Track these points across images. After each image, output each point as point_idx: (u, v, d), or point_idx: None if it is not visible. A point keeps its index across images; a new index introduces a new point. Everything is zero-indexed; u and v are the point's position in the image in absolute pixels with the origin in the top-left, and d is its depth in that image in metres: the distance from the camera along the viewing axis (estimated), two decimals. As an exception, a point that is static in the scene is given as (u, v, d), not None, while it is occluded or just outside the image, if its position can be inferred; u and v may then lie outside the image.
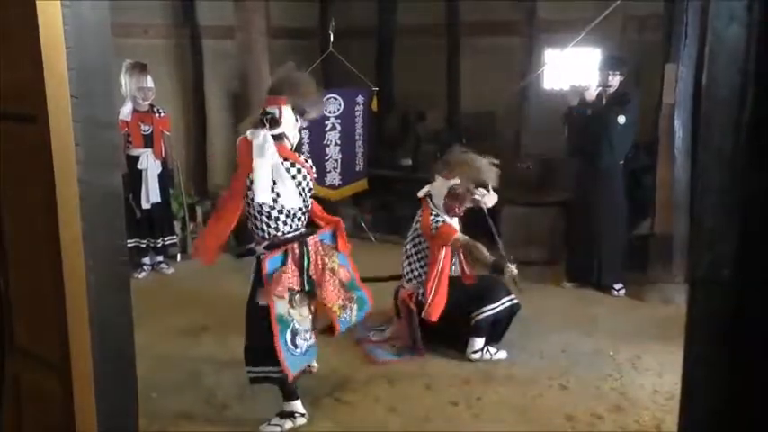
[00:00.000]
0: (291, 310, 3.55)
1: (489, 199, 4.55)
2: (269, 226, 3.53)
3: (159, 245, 6.26)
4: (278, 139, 3.54)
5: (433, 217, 4.45)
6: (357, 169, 7.32)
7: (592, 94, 5.56)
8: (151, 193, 6.09)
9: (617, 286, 5.68)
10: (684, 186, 5.35)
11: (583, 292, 5.73)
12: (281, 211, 3.53)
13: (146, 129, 6.04)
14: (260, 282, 3.55)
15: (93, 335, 1.84)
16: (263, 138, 3.49)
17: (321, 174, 7.14)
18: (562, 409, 3.88)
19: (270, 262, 3.51)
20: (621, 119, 5.38)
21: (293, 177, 3.57)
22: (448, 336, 4.60)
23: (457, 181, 4.45)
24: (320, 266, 3.63)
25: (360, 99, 7.14)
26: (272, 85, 3.70)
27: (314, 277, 3.60)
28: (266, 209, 3.50)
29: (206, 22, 7.29)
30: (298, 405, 3.69)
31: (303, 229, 3.67)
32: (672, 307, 5.25)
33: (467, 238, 4.42)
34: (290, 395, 3.68)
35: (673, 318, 4.94)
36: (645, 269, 5.65)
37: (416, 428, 3.71)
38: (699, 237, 1.09)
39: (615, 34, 6.24)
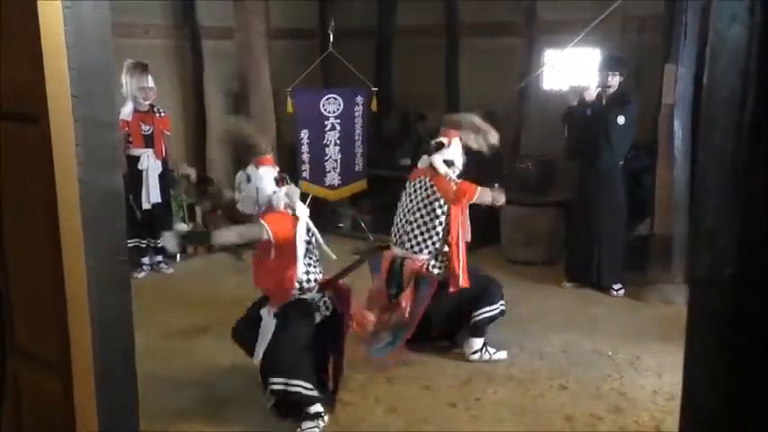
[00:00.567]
0: None
1: (493, 135, 4.52)
2: (315, 272, 3.83)
3: (160, 245, 6.26)
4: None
5: (448, 180, 4.44)
6: (356, 169, 7.32)
7: (591, 95, 5.57)
8: (152, 194, 6.09)
9: (616, 287, 5.68)
10: (684, 187, 5.36)
11: (582, 293, 5.73)
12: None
13: (146, 129, 6.04)
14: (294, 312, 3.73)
15: (94, 334, 1.83)
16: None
17: (320, 174, 7.16)
18: (562, 409, 3.89)
19: None
20: (621, 119, 5.39)
21: None
22: (446, 335, 4.61)
23: (464, 133, 4.48)
24: None
25: (359, 99, 7.15)
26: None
27: None
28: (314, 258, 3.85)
29: (206, 22, 7.30)
30: (319, 406, 3.70)
31: None
32: (672, 307, 5.25)
33: (487, 189, 4.48)
34: (311, 400, 3.68)
35: (672, 318, 4.94)
36: (644, 269, 5.65)
37: (416, 429, 3.71)
38: (699, 237, 1.09)
39: (615, 35, 6.24)
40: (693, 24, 5.07)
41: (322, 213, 7.59)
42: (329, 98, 7.06)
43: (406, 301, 4.39)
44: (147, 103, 6.03)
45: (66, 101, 1.71)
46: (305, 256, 3.72)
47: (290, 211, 3.70)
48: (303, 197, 7.10)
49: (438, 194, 4.40)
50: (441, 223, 4.39)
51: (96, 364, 1.85)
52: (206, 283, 5.96)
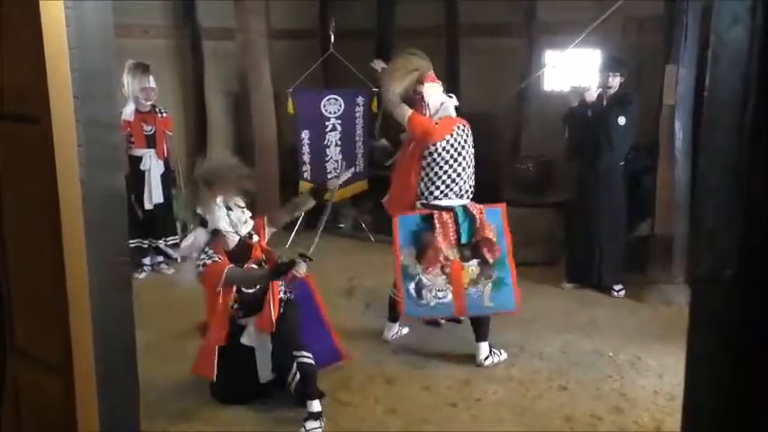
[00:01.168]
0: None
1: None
2: None
3: (161, 245, 6.26)
4: None
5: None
6: (357, 170, 7.32)
7: (592, 96, 5.56)
8: (154, 194, 6.09)
9: (617, 287, 5.68)
10: (684, 187, 5.36)
11: (583, 293, 5.73)
12: None
13: (148, 129, 6.04)
14: None
15: (95, 335, 1.84)
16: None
17: (321, 174, 7.16)
18: (562, 410, 3.89)
19: None
20: (622, 120, 5.39)
21: None
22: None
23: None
24: None
25: (360, 100, 7.15)
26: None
27: None
28: None
29: (206, 23, 7.30)
30: (317, 404, 3.72)
31: None
32: (672, 308, 5.25)
33: None
34: (316, 394, 3.72)
35: (673, 319, 4.94)
36: (645, 270, 5.65)
37: (416, 429, 3.71)
38: (700, 237, 1.10)
39: (615, 35, 6.24)
40: (694, 25, 5.07)
41: (323, 213, 7.60)
42: (330, 99, 7.07)
43: (490, 238, 4.36)
44: (149, 103, 6.03)
45: (67, 102, 1.71)
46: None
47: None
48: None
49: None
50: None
51: (97, 365, 1.85)
52: (206, 283, 5.94)
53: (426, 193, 4.41)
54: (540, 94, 6.93)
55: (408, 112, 4.44)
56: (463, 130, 4.44)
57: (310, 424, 3.64)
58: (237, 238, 3.82)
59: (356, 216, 7.57)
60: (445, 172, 4.37)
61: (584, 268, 5.75)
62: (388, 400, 4.01)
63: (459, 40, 7.59)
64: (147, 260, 6.26)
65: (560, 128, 5.78)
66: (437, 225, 4.32)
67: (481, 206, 4.40)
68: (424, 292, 4.35)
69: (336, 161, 7.20)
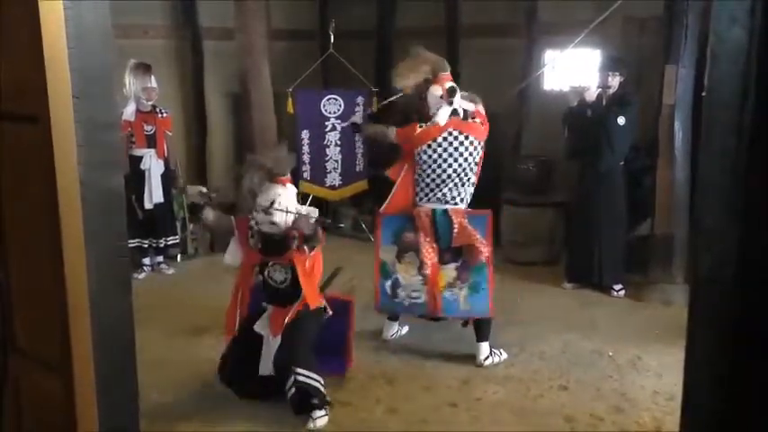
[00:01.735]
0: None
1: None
2: None
3: (161, 245, 6.27)
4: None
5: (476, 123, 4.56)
6: (357, 170, 7.32)
7: (592, 95, 5.56)
8: (154, 194, 6.10)
9: (617, 287, 5.68)
10: (684, 187, 5.36)
11: (583, 293, 5.73)
12: None
13: (149, 129, 6.05)
14: None
15: (94, 336, 1.84)
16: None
17: (321, 174, 7.16)
18: (562, 410, 3.89)
19: None
20: (621, 120, 5.39)
21: None
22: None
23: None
24: None
25: (360, 100, 7.15)
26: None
27: None
28: None
29: (206, 23, 7.29)
30: (319, 412, 3.75)
31: None
32: (672, 308, 5.25)
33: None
34: (313, 407, 3.74)
35: (673, 318, 4.94)
36: (645, 270, 5.65)
37: (416, 429, 3.71)
38: (700, 237, 1.10)
39: (615, 35, 6.23)
40: (694, 25, 5.07)
41: (323, 214, 7.60)
42: (330, 99, 7.07)
43: (475, 243, 4.34)
44: (150, 103, 6.04)
45: (67, 101, 1.71)
46: None
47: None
48: (304, 198, 7.13)
49: (476, 142, 4.45)
50: (476, 168, 4.50)
51: (97, 365, 1.85)
52: (206, 283, 5.95)
53: (416, 197, 4.47)
54: (540, 94, 6.92)
55: (393, 131, 4.57)
56: (455, 138, 4.36)
57: (317, 413, 3.72)
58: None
59: (356, 216, 7.57)
60: (428, 176, 4.40)
61: (584, 268, 5.75)
62: (389, 399, 4.01)
63: (460, 40, 7.58)
64: (146, 260, 6.27)
65: (560, 128, 5.78)
66: (418, 227, 4.38)
67: (465, 211, 4.41)
68: (398, 290, 4.48)
69: (336, 161, 7.20)
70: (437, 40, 7.60)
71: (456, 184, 4.40)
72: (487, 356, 4.44)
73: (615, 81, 5.52)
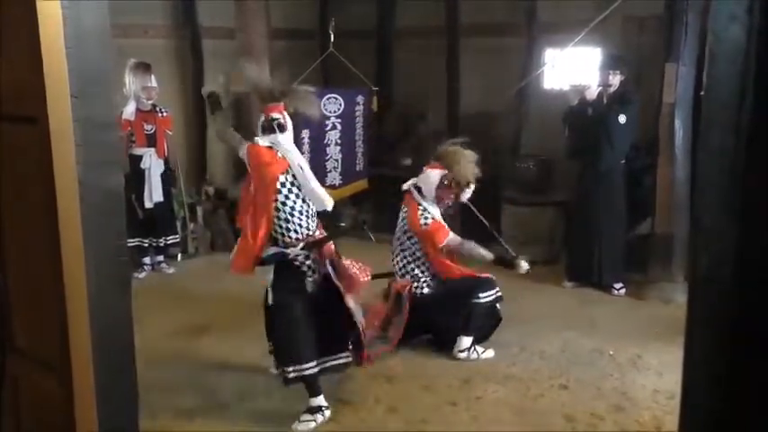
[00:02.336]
0: None
1: (467, 194, 4.61)
2: (301, 227, 3.69)
3: (161, 244, 6.27)
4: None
5: (420, 212, 4.52)
6: (357, 169, 7.32)
7: (592, 94, 5.56)
8: (154, 193, 6.10)
9: (617, 286, 5.68)
10: (685, 186, 5.35)
11: (583, 292, 5.73)
12: (311, 212, 3.75)
13: (149, 128, 6.05)
14: (284, 283, 3.69)
15: (94, 336, 1.83)
16: (289, 143, 3.72)
17: (321, 173, 7.15)
18: (562, 409, 3.88)
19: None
20: (622, 118, 5.39)
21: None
22: (442, 329, 4.60)
23: (451, 172, 4.50)
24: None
25: (360, 99, 7.15)
26: (269, 93, 3.78)
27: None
28: (305, 210, 3.69)
29: (206, 22, 7.29)
30: (322, 399, 3.76)
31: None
32: (672, 306, 5.25)
33: (459, 239, 4.50)
34: (315, 392, 3.74)
35: (673, 317, 4.94)
36: (645, 269, 5.65)
37: (416, 429, 3.71)
38: (698, 236, 1.09)
39: (615, 34, 6.23)
40: (694, 23, 5.07)
41: (323, 213, 7.59)
42: (330, 98, 7.06)
43: (379, 313, 4.63)
44: (150, 102, 6.04)
45: (65, 101, 1.70)
46: (285, 204, 3.66)
47: (278, 154, 3.67)
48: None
49: (408, 226, 4.58)
50: (417, 251, 4.58)
51: (96, 365, 1.85)
52: (207, 282, 5.95)
53: None
54: (540, 93, 6.92)
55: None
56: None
57: (304, 416, 3.71)
58: None
59: (356, 215, 7.56)
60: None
61: (584, 267, 5.75)
62: (389, 399, 4.01)
63: (460, 39, 7.58)
64: (147, 259, 6.27)
65: (560, 126, 5.78)
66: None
67: (399, 287, 4.65)
68: None
69: (336, 160, 7.20)
70: (437, 39, 7.61)
71: (398, 257, 4.70)
72: (463, 350, 4.49)
73: (616, 80, 5.52)
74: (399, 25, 8.10)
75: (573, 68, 6.48)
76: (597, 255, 5.65)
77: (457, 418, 3.81)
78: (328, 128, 7.10)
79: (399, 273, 4.65)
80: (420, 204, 4.53)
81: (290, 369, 3.65)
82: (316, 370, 3.72)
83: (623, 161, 5.63)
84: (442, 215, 4.61)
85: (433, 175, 4.54)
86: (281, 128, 3.69)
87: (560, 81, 6.68)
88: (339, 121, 7.10)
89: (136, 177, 6.00)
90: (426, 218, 4.49)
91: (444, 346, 4.57)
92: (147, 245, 6.20)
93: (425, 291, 4.56)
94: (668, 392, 4.01)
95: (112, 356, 1.90)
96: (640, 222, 5.88)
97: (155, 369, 4.21)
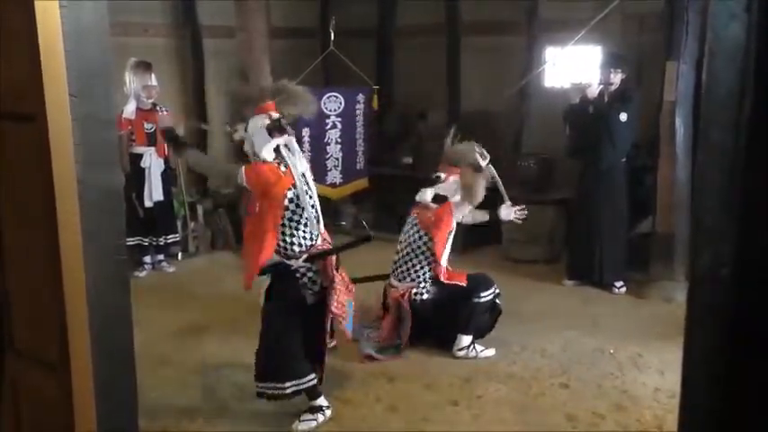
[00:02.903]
0: None
1: (487, 164, 4.64)
2: (305, 239, 3.65)
3: (161, 243, 6.26)
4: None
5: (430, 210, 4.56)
6: (357, 168, 7.32)
7: (593, 92, 5.55)
8: (154, 192, 6.10)
9: (618, 284, 5.67)
10: (686, 184, 5.34)
11: (584, 291, 5.73)
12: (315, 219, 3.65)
13: (149, 127, 6.05)
14: (284, 293, 3.64)
15: (93, 335, 1.83)
16: (295, 145, 3.69)
17: (322, 172, 7.15)
18: (563, 408, 3.88)
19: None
20: (623, 116, 5.38)
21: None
22: (442, 330, 4.60)
23: (462, 172, 4.52)
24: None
25: (360, 97, 7.14)
26: (267, 93, 3.77)
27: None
28: (310, 219, 3.61)
29: (207, 21, 7.29)
30: (323, 400, 3.75)
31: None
32: (673, 305, 5.24)
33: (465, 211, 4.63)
34: (315, 396, 3.73)
35: (674, 316, 4.93)
36: (646, 267, 5.64)
37: (417, 428, 3.70)
38: (698, 235, 1.09)
39: (616, 32, 6.22)
40: (695, 21, 5.05)
41: (323, 211, 7.59)
42: (330, 96, 7.05)
43: (386, 325, 4.59)
44: (151, 101, 6.05)
45: (63, 100, 1.70)
46: (292, 219, 3.59)
47: (281, 167, 3.57)
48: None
49: (421, 228, 4.56)
50: (422, 256, 4.55)
51: (95, 365, 1.85)
52: (207, 281, 5.95)
53: None
54: (541, 92, 6.91)
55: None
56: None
57: (305, 416, 3.70)
58: None
59: (356, 214, 7.56)
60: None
61: (585, 266, 5.75)
62: (390, 398, 4.00)
63: (461, 38, 7.58)
64: (147, 258, 6.27)
65: (561, 125, 5.77)
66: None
67: (396, 296, 4.58)
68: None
69: (337, 159, 7.19)
70: (437, 37, 7.60)
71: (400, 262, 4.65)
72: (462, 348, 4.49)
73: (617, 78, 5.52)
74: (400, 24, 8.09)
75: (574, 67, 6.46)
76: (598, 253, 5.65)
77: (458, 417, 3.81)
78: (329, 126, 7.09)
79: (398, 277, 4.65)
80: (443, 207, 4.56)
81: (289, 384, 3.58)
82: (315, 381, 3.68)
83: (624, 160, 5.62)
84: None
85: (452, 180, 4.54)
86: (285, 129, 3.60)
87: (561, 79, 6.67)
88: (339, 119, 7.10)
89: (136, 176, 6.00)
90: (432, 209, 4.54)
91: (445, 344, 4.57)
92: (147, 244, 6.20)
93: (425, 297, 4.55)
94: (669, 391, 4.00)
95: (111, 356, 1.90)
96: (641, 221, 5.87)
97: (155, 368, 4.22)
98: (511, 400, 3.97)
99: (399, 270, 4.64)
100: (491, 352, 4.53)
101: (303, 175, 3.63)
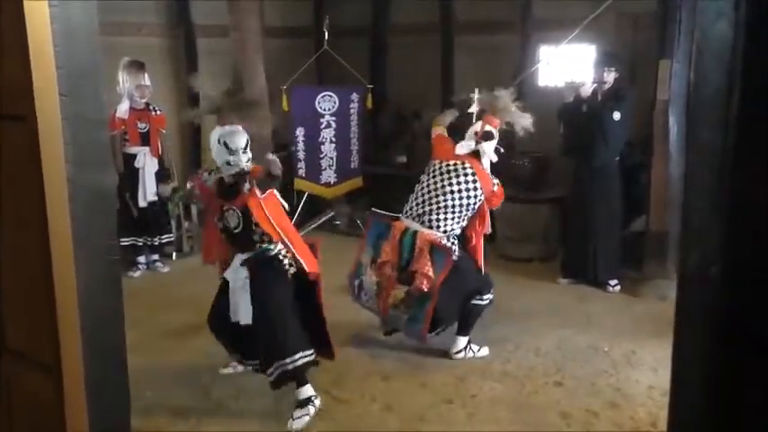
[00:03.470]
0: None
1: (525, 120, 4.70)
2: None
3: (156, 243, 6.25)
4: None
5: (490, 176, 4.46)
6: (352, 167, 7.32)
7: (587, 91, 5.56)
8: (148, 191, 6.09)
9: (612, 282, 5.68)
10: (679, 183, 5.35)
11: (578, 289, 5.74)
12: None
13: (142, 126, 6.04)
14: (268, 280, 3.73)
15: (84, 336, 1.82)
16: None
17: (316, 171, 7.15)
18: (557, 406, 3.89)
19: None
20: (616, 115, 5.39)
21: None
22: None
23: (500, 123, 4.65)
24: None
25: (354, 97, 7.14)
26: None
27: None
28: None
29: (200, 20, 7.28)
30: (310, 388, 3.75)
31: None
32: (667, 303, 5.25)
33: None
34: (302, 381, 3.74)
35: (668, 314, 4.89)
36: (640, 265, 5.65)
37: (412, 427, 3.71)
38: (687, 235, 1.09)
39: (609, 31, 6.23)
40: (688, 20, 5.06)
41: (318, 211, 7.59)
42: (324, 96, 7.06)
43: (422, 271, 4.18)
44: (144, 101, 6.03)
45: (53, 99, 1.69)
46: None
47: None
48: (298, 195, 7.12)
49: (478, 185, 4.33)
50: (470, 210, 4.34)
51: (87, 365, 1.84)
52: (201, 281, 5.93)
53: (405, 208, 4.51)
54: (535, 90, 6.91)
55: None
56: (449, 168, 4.39)
57: (298, 412, 3.70)
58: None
59: (351, 213, 7.56)
60: (416, 191, 4.48)
61: (579, 264, 5.76)
62: (385, 397, 4.01)
63: (455, 36, 7.58)
64: (141, 258, 6.26)
65: (555, 123, 5.78)
66: (390, 238, 4.37)
67: (432, 239, 4.23)
68: (361, 292, 4.55)
69: (331, 158, 7.19)
70: (432, 36, 7.61)
71: (433, 209, 4.31)
72: (460, 350, 4.47)
73: (610, 77, 5.53)
74: (394, 22, 8.09)
75: (568, 65, 6.47)
76: (592, 252, 5.66)
77: (453, 416, 3.81)
78: (323, 126, 7.09)
79: (435, 224, 4.28)
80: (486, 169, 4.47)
81: (288, 361, 3.62)
82: (312, 357, 3.73)
83: (618, 158, 5.63)
84: None
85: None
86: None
87: (555, 78, 6.68)
88: (334, 119, 7.10)
89: (130, 176, 5.99)
90: (495, 181, 4.47)
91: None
92: (141, 244, 6.19)
93: (453, 248, 4.28)
94: (662, 389, 4.01)
95: (103, 356, 1.89)
96: (635, 219, 5.88)
97: (150, 367, 4.21)
98: (505, 399, 3.98)
99: (436, 218, 4.29)
100: (486, 351, 4.53)
101: None
